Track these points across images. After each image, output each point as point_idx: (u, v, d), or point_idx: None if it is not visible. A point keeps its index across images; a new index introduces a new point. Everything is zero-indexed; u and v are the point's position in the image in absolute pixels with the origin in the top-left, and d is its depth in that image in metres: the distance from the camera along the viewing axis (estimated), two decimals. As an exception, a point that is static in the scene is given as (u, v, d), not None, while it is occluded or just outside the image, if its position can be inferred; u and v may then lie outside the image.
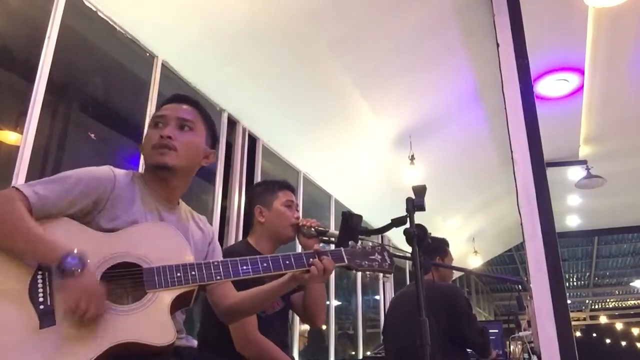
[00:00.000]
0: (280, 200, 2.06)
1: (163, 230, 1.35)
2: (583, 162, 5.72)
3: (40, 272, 1.17)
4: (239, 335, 1.81)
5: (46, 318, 1.12)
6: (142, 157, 1.51)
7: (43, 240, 1.19)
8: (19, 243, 1.18)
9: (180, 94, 1.55)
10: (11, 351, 1.09)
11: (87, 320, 1.13)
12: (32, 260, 1.18)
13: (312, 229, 1.95)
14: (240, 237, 3.77)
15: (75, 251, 1.16)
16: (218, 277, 1.32)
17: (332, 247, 1.59)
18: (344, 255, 1.47)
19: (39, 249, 1.18)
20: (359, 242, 1.56)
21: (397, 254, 1.62)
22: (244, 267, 1.35)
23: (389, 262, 1.54)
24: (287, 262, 1.40)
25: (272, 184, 2.15)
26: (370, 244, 1.56)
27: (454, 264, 3.23)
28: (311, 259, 1.41)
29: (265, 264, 1.37)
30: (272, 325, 1.92)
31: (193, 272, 1.29)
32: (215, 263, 1.33)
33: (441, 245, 2.93)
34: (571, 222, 8.10)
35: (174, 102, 1.50)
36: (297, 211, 2.09)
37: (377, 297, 7.36)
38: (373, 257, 1.52)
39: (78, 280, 1.14)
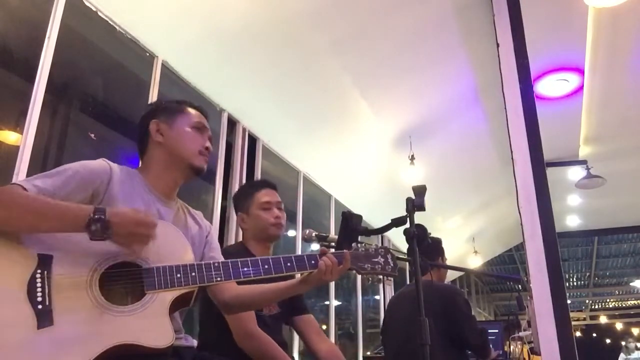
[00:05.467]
0: (256, 204, 2.04)
1: (164, 229, 1.35)
2: (583, 162, 5.72)
3: (39, 272, 1.17)
4: (239, 329, 1.82)
5: (44, 318, 1.12)
6: (158, 141, 1.50)
7: (62, 212, 1.20)
8: (42, 219, 1.19)
9: (205, 110, 1.62)
10: (8, 351, 1.08)
11: (149, 232, 1.22)
12: (65, 229, 1.20)
13: (313, 235, 1.94)
14: (240, 237, 3.76)
15: (96, 216, 1.18)
16: (218, 279, 1.32)
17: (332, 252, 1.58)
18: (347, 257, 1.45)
19: (61, 223, 1.20)
20: (362, 244, 1.54)
21: (399, 256, 1.61)
22: (245, 269, 1.35)
23: (392, 265, 1.52)
24: (289, 264, 1.39)
25: (248, 188, 2.14)
26: (374, 246, 1.54)
27: (452, 263, 3.23)
28: (319, 257, 1.40)
29: (266, 266, 1.37)
30: (267, 325, 1.92)
31: (193, 273, 1.28)
32: (216, 264, 1.33)
33: (440, 245, 2.94)
34: (571, 222, 8.11)
35: (202, 114, 1.58)
36: (279, 209, 2.06)
37: (377, 297, 7.36)
38: (376, 259, 1.50)
39: (113, 236, 1.19)
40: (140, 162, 1.54)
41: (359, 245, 1.52)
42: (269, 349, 1.83)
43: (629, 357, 9.51)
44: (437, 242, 2.90)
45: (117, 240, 1.20)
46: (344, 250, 1.46)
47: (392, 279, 1.55)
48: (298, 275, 1.49)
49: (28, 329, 1.11)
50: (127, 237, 1.21)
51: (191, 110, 1.55)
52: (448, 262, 3.12)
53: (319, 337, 2.15)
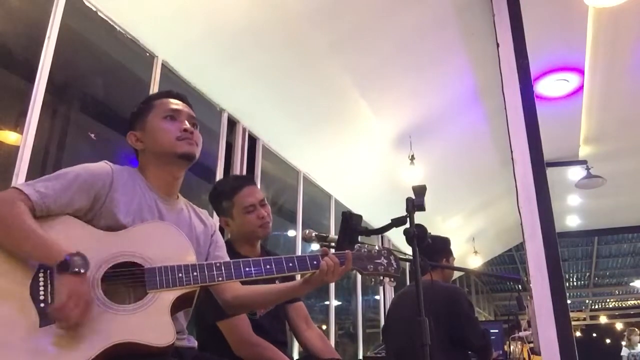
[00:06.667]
0: (238, 207, 1.97)
1: (166, 230, 1.35)
2: (583, 162, 5.72)
3: (42, 271, 1.18)
4: (235, 337, 1.81)
5: (46, 316, 1.13)
6: (141, 149, 1.50)
7: (45, 241, 1.18)
8: (22, 244, 1.18)
9: (177, 91, 1.56)
10: (11, 348, 1.09)
11: (71, 324, 1.11)
12: (34, 261, 1.18)
13: (313, 235, 1.93)
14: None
15: (78, 253, 1.16)
16: (220, 279, 1.32)
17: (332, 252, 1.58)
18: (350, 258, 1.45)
19: (41, 250, 1.17)
20: (365, 245, 1.53)
21: (400, 256, 1.61)
22: (247, 269, 1.35)
23: (395, 266, 1.52)
24: (291, 264, 1.39)
25: (226, 188, 2.05)
26: (377, 247, 1.54)
27: (454, 264, 3.22)
28: (321, 257, 1.40)
29: (268, 266, 1.37)
30: (264, 327, 1.92)
31: (195, 273, 1.28)
32: (218, 264, 1.33)
33: (447, 246, 2.91)
34: (571, 222, 8.11)
35: (177, 99, 1.53)
36: (263, 205, 1.99)
37: (377, 297, 7.36)
38: (379, 260, 1.50)
39: (78, 280, 1.13)
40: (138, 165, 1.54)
41: (362, 245, 1.52)
42: (267, 354, 1.82)
43: (632, 351, 9.39)
44: (444, 242, 2.87)
45: (59, 288, 1.14)
46: (346, 251, 1.46)
47: (394, 280, 1.54)
48: (298, 276, 1.50)
49: (30, 327, 1.11)
50: (63, 292, 1.12)
51: (158, 101, 1.50)
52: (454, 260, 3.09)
53: (307, 324, 2.15)
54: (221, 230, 2.15)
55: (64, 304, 1.10)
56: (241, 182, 2.04)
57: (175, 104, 1.50)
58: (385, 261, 1.51)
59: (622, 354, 9.59)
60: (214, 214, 2.15)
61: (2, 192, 1.24)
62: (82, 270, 1.14)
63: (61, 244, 1.19)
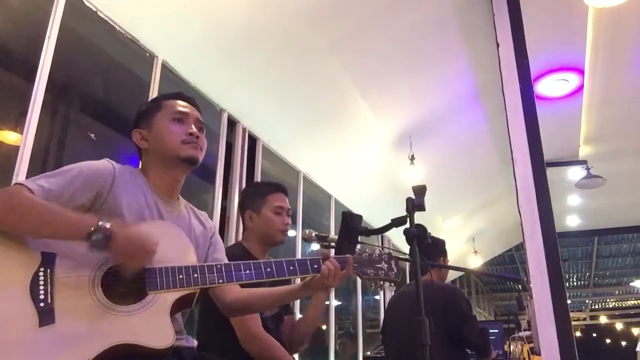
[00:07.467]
0: (269, 207, 2.05)
1: (167, 230, 1.35)
2: (583, 162, 5.72)
3: (42, 269, 1.17)
4: (244, 331, 1.83)
5: (46, 316, 1.12)
6: (145, 148, 1.49)
7: (73, 216, 1.19)
8: (48, 225, 1.18)
9: (186, 94, 1.57)
10: (10, 348, 1.09)
11: (148, 255, 1.19)
12: (66, 238, 1.19)
13: (313, 235, 1.94)
14: (240, 237, 3.77)
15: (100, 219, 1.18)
16: (220, 281, 1.31)
17: (332, 252, 1.57)
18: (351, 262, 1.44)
19: (74, 224, 1.18)
20: (366, 250, 1.52)
21: (399, 256, 1.61)
22: (247, 272, 1.34)
23: (395, 270, 1.50)
24: (291, 267, 1.38)
25: (262, 188, 2.14)
26: (377, 251, 1.53)
27: (452, 263, 3.24)
28: (322, 261, 1.39)
29: (268, 269, 1.36)
30: (269, 327, 1.93)
31: (195, 275, 1.28)
32: (218, 266, 1.32)
33: (443, 247, 2.95)
34: (571, 222, 8.11)
35: (186, 101, 1.53)
36: (288, 216, 2.08)
37: (377, 297, 7.36)
38: (379, 265, 1.49)
39: (111, 251, 1.17)
40: (140, 164, 1.53)
41: (362, 249, 1.51)
42: (274, 351, 1.84)
43: None
44: (440, 243, 2.92)
45: (113, 256, 1.19)
46: (347, 255, 1.45)
47: (394, 284, 1.53)
48: (298, 280, 1.49)
49: (30, 326, 1.11)
50: (124, 255, 1.19)
51: (168, 102, 1.50)
52: (448, 262, 3.12)
53: None
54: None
55: (131, 255, 1.18)
56: (279, 188, 2.14)
57: (184, 106, 1.51)
58: (385, 266, 1.50)
59: (637, 349, 9.64)
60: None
61: (6, 187, 1.24)
62: (109, 235, 1.17)
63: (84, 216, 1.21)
